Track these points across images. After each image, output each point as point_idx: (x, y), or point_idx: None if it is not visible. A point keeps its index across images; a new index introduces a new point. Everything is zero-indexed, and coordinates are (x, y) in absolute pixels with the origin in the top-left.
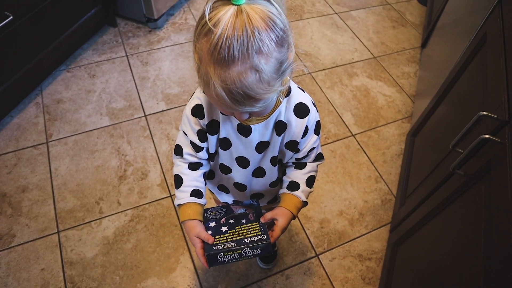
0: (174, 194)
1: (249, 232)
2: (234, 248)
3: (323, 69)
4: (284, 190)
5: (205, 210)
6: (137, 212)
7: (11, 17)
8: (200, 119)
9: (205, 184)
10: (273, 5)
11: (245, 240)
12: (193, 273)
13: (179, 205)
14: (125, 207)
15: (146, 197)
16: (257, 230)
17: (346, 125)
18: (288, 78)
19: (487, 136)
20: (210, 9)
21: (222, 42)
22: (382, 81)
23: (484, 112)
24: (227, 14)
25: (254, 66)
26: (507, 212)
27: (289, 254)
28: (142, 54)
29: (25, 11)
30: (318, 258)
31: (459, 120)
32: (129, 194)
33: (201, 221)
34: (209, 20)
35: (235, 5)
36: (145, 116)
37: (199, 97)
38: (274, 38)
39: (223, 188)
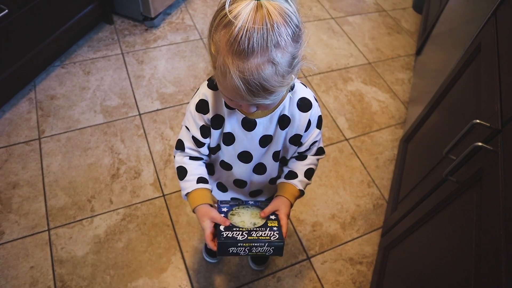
0: (166, 194)
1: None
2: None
3: (319, 73)
4: (282, 179)
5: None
6: (129, 211)
7: (6, 10)
8: (204, 114)
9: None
10: (289, 3)
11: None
12: (184, 273)
13: (187, 194)
14: (117, 205)
15: (139, 196)
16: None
17: (340, 129)
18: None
19: (480, 144)
20: (230, 2)
21: (242, 34)
22: (377, 87)
23: (478, 121)
24: (247, 7)
25: (271, 59)
26: (498, 218)
27: (280, 257)
28: (138, 52)
29: (21, 4)
30: (310, 261)
31: (452, 128)
32: (121, 193)
33: (211, 205)
34: (229, 12)
35: (255, 0)
36: (140, 114)
37: (204, 93)
38: (290, 34)
39: (221, 187)
